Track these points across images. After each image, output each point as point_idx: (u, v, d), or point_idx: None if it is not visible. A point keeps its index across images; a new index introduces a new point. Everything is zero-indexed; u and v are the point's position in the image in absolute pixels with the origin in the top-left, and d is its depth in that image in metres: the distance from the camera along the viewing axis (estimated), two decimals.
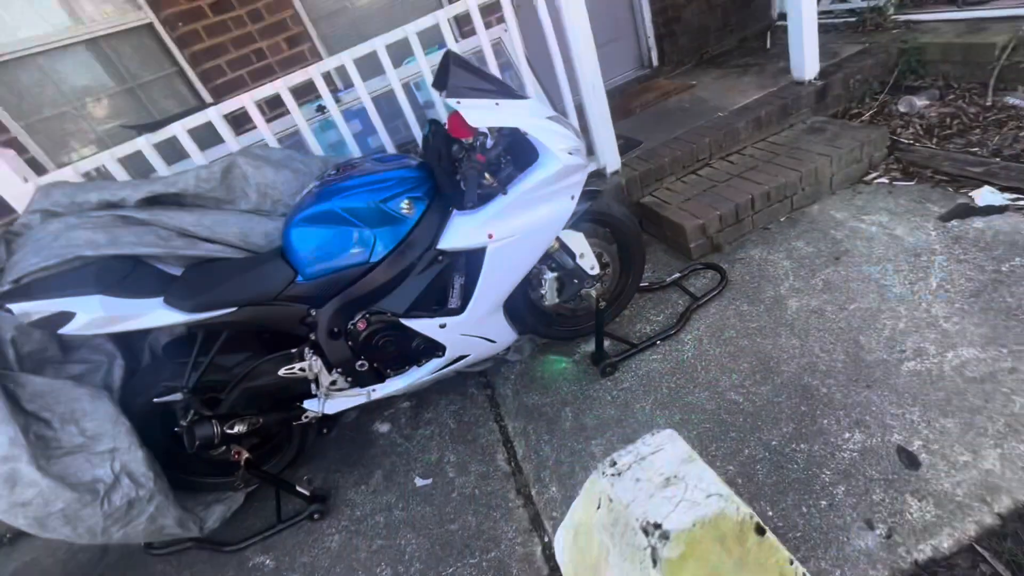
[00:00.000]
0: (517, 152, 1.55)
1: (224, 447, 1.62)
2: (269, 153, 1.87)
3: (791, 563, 0.54)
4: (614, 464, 0.60)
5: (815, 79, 2.83)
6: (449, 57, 1.47)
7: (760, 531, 0.53)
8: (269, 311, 1.54)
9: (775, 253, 2.26)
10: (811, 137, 2.64)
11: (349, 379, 1.72)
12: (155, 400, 1.57)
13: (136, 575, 1.95)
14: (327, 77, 2.14)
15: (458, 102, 1.38)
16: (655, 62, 3.95)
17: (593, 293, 1.85)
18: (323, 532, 1.82)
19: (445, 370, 1.82)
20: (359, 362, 1.68)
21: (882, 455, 1.41)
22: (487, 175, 1.48)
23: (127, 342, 1.76)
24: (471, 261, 1.56)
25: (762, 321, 1.95)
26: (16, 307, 1.39)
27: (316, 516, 1.84)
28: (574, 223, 1.78)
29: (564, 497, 1.61)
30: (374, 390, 1.77)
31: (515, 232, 1.51)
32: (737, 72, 3.44)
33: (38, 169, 2.45)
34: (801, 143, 2.61)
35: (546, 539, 1.53)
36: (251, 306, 1.53)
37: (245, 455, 1.68)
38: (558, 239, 1.74)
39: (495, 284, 1.60)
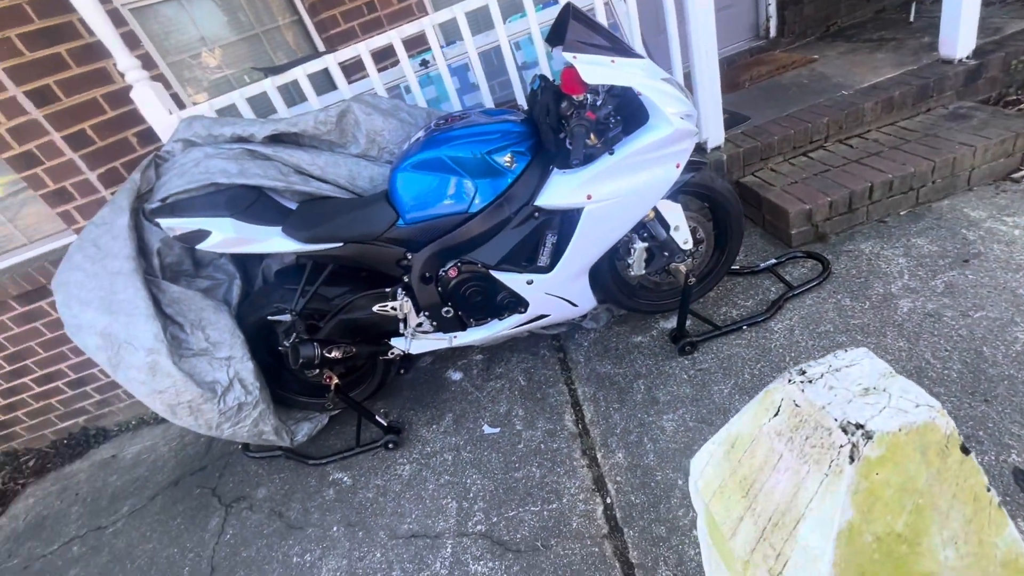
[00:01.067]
0: (626, 113, 1.51)
1: (318, 370, 1.78)
2: (379, 102, 1.96)
3: (988, 490, 0.52)
4: (803, 373, 0.59)
5: (968, 58, 2.49)
6: (568, 10, 1.45)
7: (965, 451, 0.51)
8: (370, 250, 1.64)
9: (890, 249, 2.06)
10: (952, 124, 2.34)
11: (434, 323, 1.81)
12: (268, 317, 1.75)
13: (234, 471, 2.21)
14: (428, 33, 2.18)
15: (575, 57, 1.36)
16: (772, 32, 3.64)
17: (683, 268, 1.80)
18: (395, 461, 1.97)
19: (523, 327, 1.87)
20: (445, 308, 1.76)
21: (994, 475, 1.29)
22: (592, 134, 1.46)
23: (244, 266, 1.95)
24: (565, 221, 1.57)
25: (866, 318, 1.81)
26: (164, 222, 1.59)
27: (391, 446, 1.99)
28: (672, 194, 1.72)
29: (630, 464, 1.63)
30: (455, 336, 1.86)
31: (614, 195, 1.49)
32: (869, 47, 3.09)
33: (179, 104, 2.72)
34: (939, 130, 2.33)
35: (608, 500, 1.56)
36: (355, 243, 1.64)
37: (335, 380, 1.84)
38: (654, 208, 1.69)
39: (586, 247, 1.60)
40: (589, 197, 1.48)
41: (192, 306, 1.70)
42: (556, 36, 1.42)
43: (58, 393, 2.78)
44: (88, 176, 2.28)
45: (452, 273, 1.66)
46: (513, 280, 1.65)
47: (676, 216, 1.73)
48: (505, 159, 1.49)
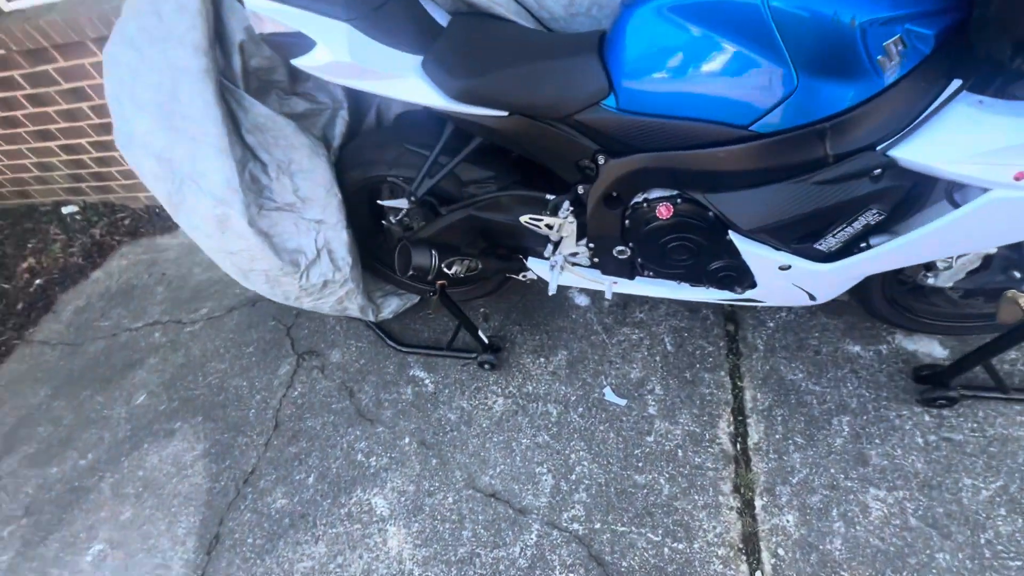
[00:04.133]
0: None
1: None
2: None
3: None
4: None
5: None
6: None
7: None
8: (548, 132, 1.01)
9: None
10: None
11: (595, 260, 1.25)
12: (377, 202, 1.24)
13: (311, 316, 1.97)
14: None
15: None
16: None
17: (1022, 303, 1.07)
18: (488, 386, 1.62)
19: (712, 300, 1.28)
20: (621, 248, 1.17)
21: None
22: None
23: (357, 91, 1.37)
24: (918, 191, 0.84)
25: None
26: (251, 3, 0.98)
27: (486, 366, 1.62)
28: None
29: (802, 539, 1.18)
30: (615, 283, 1.31)
31: None
32: None
33: None
34: None
35: (758, 574, 1.16)
36: (528, 118, 1.00)
37: (443, 284, 1.39)
38: None
39: (934, 248, 0.89)
40: (1020, 176, 0.73)
41: (281, 140, 1.20)
42: None
43: None
44: None
45: (662, 212, 1.03)
46: (760, 257, 1.01)
47: None
48: (893, 46, 0.71)
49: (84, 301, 2.43)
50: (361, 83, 1.01)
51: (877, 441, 1.28)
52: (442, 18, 1.11)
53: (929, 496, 1.19)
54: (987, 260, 1.08)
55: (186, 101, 1.04)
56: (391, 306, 1.76)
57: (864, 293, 1.27)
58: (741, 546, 1.20)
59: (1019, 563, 1.08)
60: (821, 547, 1.16)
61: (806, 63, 0.76)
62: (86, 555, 1.55)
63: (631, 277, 1.28)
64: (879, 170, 0.81)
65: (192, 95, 1.03)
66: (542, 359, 1.65)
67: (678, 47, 0.83)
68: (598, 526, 1.29)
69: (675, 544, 1.23)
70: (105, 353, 2.13)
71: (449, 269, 1.21)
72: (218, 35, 1.07)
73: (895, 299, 1.27)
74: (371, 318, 1.68)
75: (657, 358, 1.57)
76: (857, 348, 1.45)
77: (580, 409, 1.51)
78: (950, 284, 1.12)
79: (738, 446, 1.35)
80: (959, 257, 1.05)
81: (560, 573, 1.24)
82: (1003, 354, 1.28)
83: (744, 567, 1.17)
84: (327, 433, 1.63)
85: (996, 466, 1.20)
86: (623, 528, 1.27)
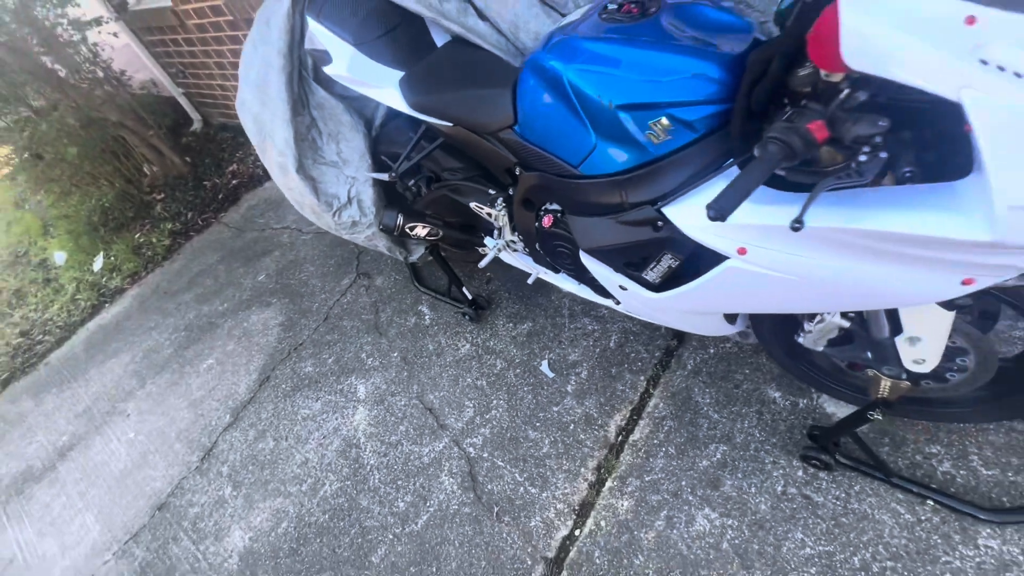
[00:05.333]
0: (921, 142, 0.69)
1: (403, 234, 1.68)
2: None
3: None
4: None
5: None
6: None
7: None
8: (481, 144, 1.32)
9: None
10: None
11: (527, 249, 1.52)
12: (367, 173, 1.67)
13: (375, 257, 2.53)
14: None
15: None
16: None
17: (883, 383, 1.08)
18: (463, 333, 2.01)
19: (600, 302, 1.47)
20: (537, 244, 1.43)
21: None
22: (833, 153, 0.73)
23: None
24: (698, 251, 0.97)
25: None
26: (311, 21, 1.46)
27: (466, 316, 2.01)
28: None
29: (625, 523, 1.38)
30: (542, 272, 1.57)
31: (794, 272, 0.83)
32: None
33: None
34: None
35: (576, 532, 1.41)
36: (466, 130, 1.32)
37: (433, 239, 1.75)
38: None
39: (715, 302, 1.02)
40: (743, 251, 0.85)
41: (332, 116, 1.69)
42: None
43: None
44: None
45: (546, 221, 1.27)
46: (603, 275, 1.20)
47: (931, 328, 0.95)
48: (657, 124, 0.88)
49: (255, 201, 3.39)
50: (359, 88, 1.43)
51: (739, 475, 1.37)
52: (441, 41, 1.45)
53: (754, 533, 1.28)
54: (847, 337, 1.10)
55: (271, 86, 1.57)
56: (419, 252, 2.21)
57: (766, 339, 1.33)
58: (577, 509, 1.44)
59: None
60: (636, 533, 1.35)
61: (597, 128, 0.95)
62: (204, 363, 2.39)
63: (555, 271, 1.53)
64: (659, 222, 0.96)
65: (272, 83, 1.56)
66: (511, 324, 1.97)
67: (539, 98, 1.06)
68: (485, 455, 1.63)
69: (531, 488, 1.52)
70: (253, 240, 3.02)
71: (412, 231, 1.60)
72: (303, 35, 1.57)
73: (793, 352, 1.31)
74: (399, 257, 2.16)
75: (597, 350, 1.78)
76: (776, 394, 1.49)
77: (518, 371, 1.82)
78: (817, 348, 1.15)
79: (619, 438, 1.55)
80: (817, 323, 1.10)
81: (445, 476, 1.62)
82: (889, 433, 1.26)
83: (570, 523, 1.42)
84: (352, 334, 2.20)
85: (836, 535, 1.23)
86: (501, 463, 1.60)
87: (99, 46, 3.53)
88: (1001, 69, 0.58)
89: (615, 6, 0.98)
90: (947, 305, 0.92)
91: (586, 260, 1.20)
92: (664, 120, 0.87)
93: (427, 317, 2.14)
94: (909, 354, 1.02)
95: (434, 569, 1.44)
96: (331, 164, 1.75)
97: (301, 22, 1.55)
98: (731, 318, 1.27)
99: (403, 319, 2.17)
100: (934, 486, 1.22)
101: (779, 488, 1.33)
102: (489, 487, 1.56)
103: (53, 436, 2.36)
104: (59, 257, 3.51)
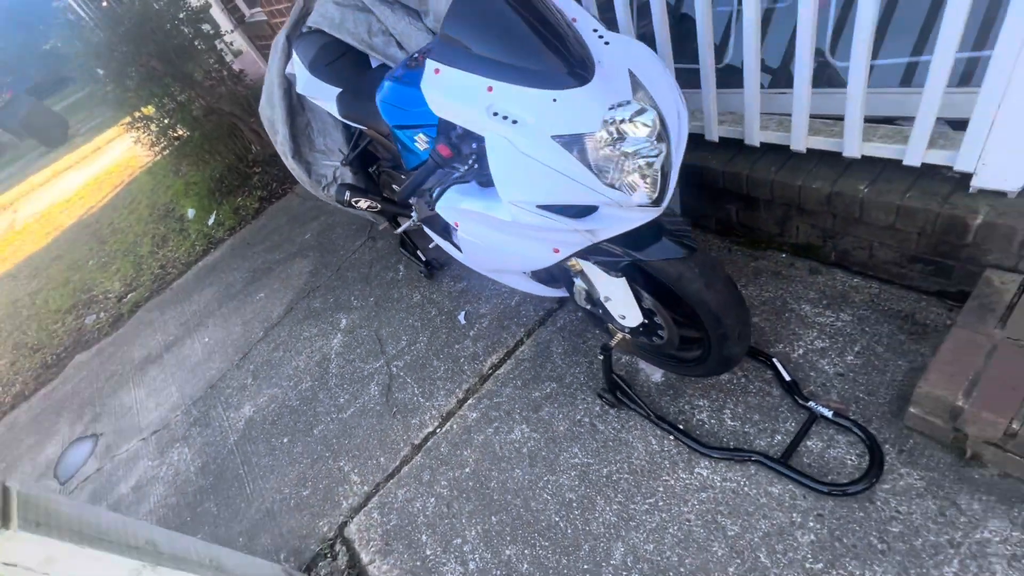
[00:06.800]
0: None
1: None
2: None
3: None
4: None
5: None
6: None
7: None
8: (383, 140, 1.84)
9: None
10: None
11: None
12: (322, 161, 2.27)
13: (384, 233, 3.17)
14: None
15: (436, 71, 0.99)
16: None
17: (616, 335, 1.44)
18: (419, 285, 2.57)
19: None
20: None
21: None
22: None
23: None
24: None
25: None
26: (295, 50, 2.08)
27: (423, 274, 2.57)
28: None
29: (471, 424, 1.86)
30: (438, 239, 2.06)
31: (478, 239, 1.24)
32: None
33: None
34: None
35: (437, 431, 1.92)
36: (373, 132, 1.85)
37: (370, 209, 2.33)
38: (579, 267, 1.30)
39: (476, 263, 1.45)
40: (456, 226, 1.27)
41: (319, 117, 2.31)
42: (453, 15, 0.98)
43: None
44: None
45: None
46: (440, 241, 1.67)
47: (610, 289, 1.30)
48: (418, 139, 1.32)
49: None
50: (316, 101, 2.01)
51: (556, 405, 1.78)
52: (378, 62, 1.98)
53: (547, 444, 1.69)
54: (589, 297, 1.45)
55: (274, 95, 2.22)
56: (405, 224, 2.80)
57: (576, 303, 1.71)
58: (443, 415, 1.95)
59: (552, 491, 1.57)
60: (472, 435, 1.83)
61: (396, 139, 1.42)
62: (257, 296, 3.25)
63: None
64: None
65: (276, 94, 2.21)
66: (452, 283, 2.49)
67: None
68: (402, 374, 2.20)
69: (421, 399, 2.05)
70: (311, 208, 3.85)
71: (357, 204, 2.17)
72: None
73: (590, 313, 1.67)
74: (380, 224, 2.78)
75: (501, 307, 2.23)
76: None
77: (443, 317, 2.34)
78: (585, 307, 1.52)
79: (489, 371, 2.01)
80: (576, 284, 1.48)
81: (373, 385, 2.22)
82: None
83: (435, 424, 1.94)
84: (350, 282, 2.88)
85: (601, 452, 1.60)
86: (409, 380, 2.15)
87: (223, 51, 4.59)
88: (505, 118, 0.98)
89: (416, 56, 1.44)
90: (614, 271, 1.26)
91: (427, 230, 1.68)
92: (422, 135, 1.33)
93: (401, 273, 2.74)
94: (614, 310, 1.37)
95: (347, 441, 2.06)
96: (321, 152, 2.39)
97: (290, 50, 2.18)
98: (550, 282, 1.66)
99: (385, 273, 2.79)
100: (681, 426, 1.53)
101: (578, 417, 1.71)
102: (397, 395, 2.13)
103: (165, 336, 3.40)
104: (190, 213, 4.71)
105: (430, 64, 1.02)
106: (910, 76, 1.41)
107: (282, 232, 3.77)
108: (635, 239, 1.18)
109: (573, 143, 0.95)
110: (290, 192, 4.26)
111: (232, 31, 4.50)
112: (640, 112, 0.96)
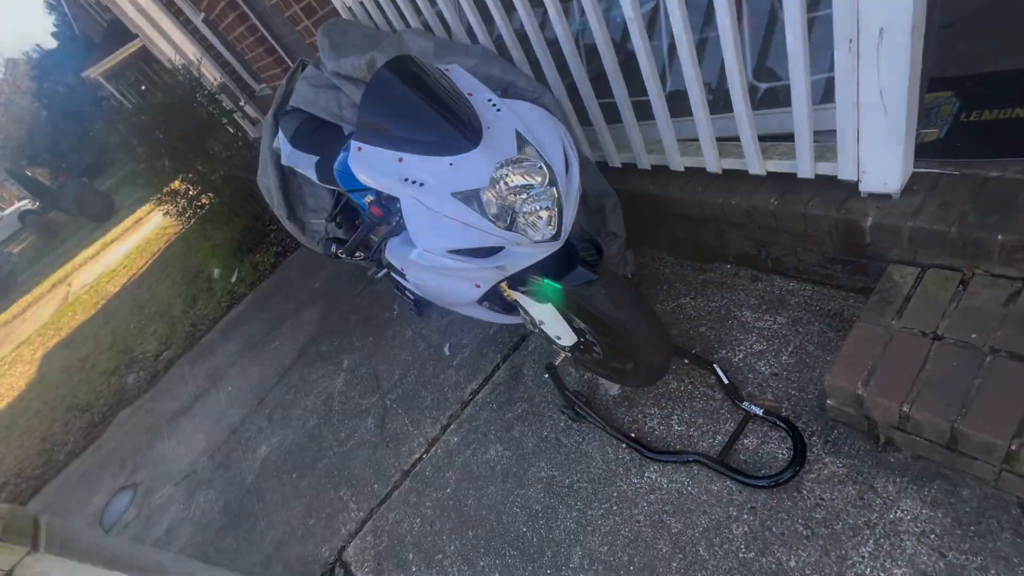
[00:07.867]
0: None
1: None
2: (413, 41, 1.93)
3: None
4: None
5: None
6: (397, 66, 1.16)
7: None
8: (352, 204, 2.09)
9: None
10: None
11: None
12: (312, 220, 2.53)
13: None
14: None
15: (359, 148, 1.21)
16: None
17: (559, 353, 1.58)
18: (411, 323, 2.78)
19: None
20: None
21: None
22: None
23: None
24: None
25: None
26: (280, 127, 2.37)
27: (413, 311, 2.77)
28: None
29: (453, 448, 2.01)
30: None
31: (420, 281, 1.43)
32: None
33: None
34: None
35: (424, 456, 2.08)
36: (348, 194, 2.09)
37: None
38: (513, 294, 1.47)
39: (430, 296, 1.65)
40: (404, 271, 1.47)
41: (308, 181, 2.59)
42: (369, 98, 1.21)
43: None
44: None
45: None
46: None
47: (542, 314, 1.46)
48: (368, 200, 1.54)
49: None
50: (299, 169, 2.29)
51: (526, 424, 1.92)
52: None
53: (518, 461, 1.82)
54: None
55: (267, 165, 2.53)
56: (380, 272, 3.05)
57: None
58: (429, 441, 2.11)
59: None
60: (453, 457, 1.98)
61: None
62: (273, 344, 3.52)
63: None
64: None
65: (268, 163, 2.51)
66: (440, 318, 2.68)
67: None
68: (394, 406, 2.38)
69: (411, 428, 2.22)
70: (319, 259, 4.16)
71: (340, 255, 2.42)
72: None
73: None
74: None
75: (480, 336, 2.41)
76: (572, 369, 1.98)
77: (431, 350, 2.53)
78: (534, 331, 1.68)
79: (470, 397, 2.17)
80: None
81: (370, 418, 2.41)
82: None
83: (423, 450, 2.10)
84: (352, 324, 3.11)
85: (564, 464, 1.72)
86: (401, 412, 2.33)
87: (244, 118, 5.07)
88: (413, 182, 1.18)
89: None
90: (541, 299, 1.42)
91: (393, 275, 1.89)
92: (370, 196, 1.55)
93: (395, 312, 2.96)
94: (550, 332, 1.52)
95: (346, 472, 2.24)
96: (313, 211, 2.67)
97: (276, 127, 2.49)
98: (505, 311, 1.84)
99: (381, 314, 3.01)
100: (632, 435, 1.65)
101: (544, 433, 1.85)
102: (390, 426, 2.31)
103: (195, 388, 3.71)
104: (216, 273, 5.12)
105: (353, 144, 1.25)
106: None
107: (294, 283, 4.08)
108: (554, 268, 1.34)
109: (471, 198, 1.14)
110: (301, 246, 4.60)
111: (244, 104, 4.99)
112: (525, 164, 1.14)
